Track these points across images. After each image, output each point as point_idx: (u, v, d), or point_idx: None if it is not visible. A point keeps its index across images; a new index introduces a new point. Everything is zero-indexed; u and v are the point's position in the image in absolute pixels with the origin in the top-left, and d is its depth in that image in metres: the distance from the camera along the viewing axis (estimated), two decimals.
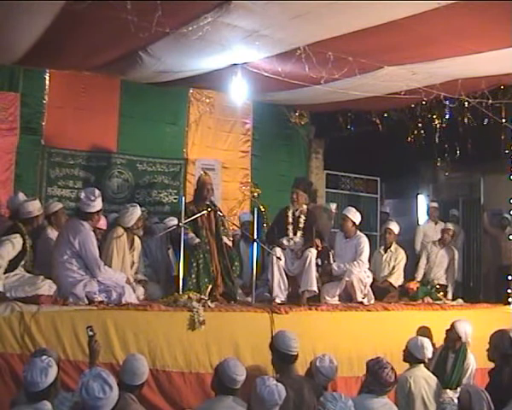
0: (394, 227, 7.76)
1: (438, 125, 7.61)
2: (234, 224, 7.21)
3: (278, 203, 7.23)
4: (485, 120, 6.97)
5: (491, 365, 4.81)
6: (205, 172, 6.53)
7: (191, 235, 6.00)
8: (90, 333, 4.12)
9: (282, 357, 4.40)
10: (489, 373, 4.73)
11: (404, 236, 8.66)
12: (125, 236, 5.94)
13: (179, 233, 5.84)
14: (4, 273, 5.00)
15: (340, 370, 4.70)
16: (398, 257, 7.63)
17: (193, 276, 5.89)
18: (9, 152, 6.90)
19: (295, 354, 4.39)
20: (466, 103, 6.83)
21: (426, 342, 5.04)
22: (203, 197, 6.23)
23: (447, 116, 7.35)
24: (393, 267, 7.58)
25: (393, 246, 7.70)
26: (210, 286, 5.96)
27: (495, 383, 4.51)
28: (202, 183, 6.30)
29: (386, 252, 7.71)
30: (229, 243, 6.48)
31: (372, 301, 6.58)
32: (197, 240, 6.00)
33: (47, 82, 7.17)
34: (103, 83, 7.44)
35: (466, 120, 7.07)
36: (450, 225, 8.07)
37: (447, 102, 7.08)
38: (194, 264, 5.93)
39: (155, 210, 7.64)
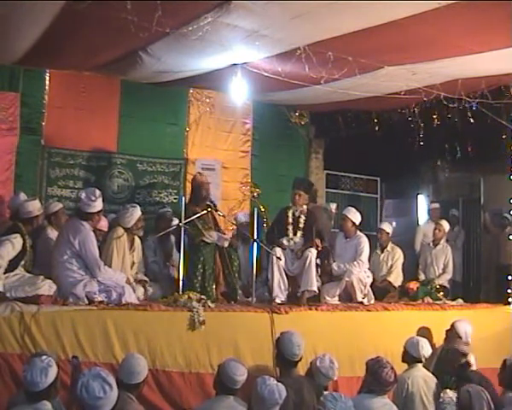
0: (386, 227, 7.80)
1: (438, 126, 7.60)
2: (233, 224, 7.20)
3: (278, 203, 7.23)
4: (485, 120, 6.96)
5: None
6: (199, 173, 6.55)
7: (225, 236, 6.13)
8: (75, 362, 4.10)
9: (285, 360, 4.41)
10: None
11: (404, 236, 8.67)
12: (125, 236, 5.95)
13: (179, 233, 5.87)
14: (4, 273, 4.99)
15: (340, 370, 4.70)
16: (395, 256, 7.66)
17: (199, 278, 5.91)
18: (9, 152, 6.88)
19: (298, 359, 4.39)
20: (466, 103, 6.82)
21: (422, 341, 5.04)
22: (202, 198, 6.24)
23: (448, 116, 7.33)
24: (391, 266, 7.60)
25: (389, 245, 7.74)
26: (214, 286, 6.00)
27: None
28: (199, 183, 6.31)
29: (382, 252, 7.74)
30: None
31: (372, 301, 6.59)
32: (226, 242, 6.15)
33: (47, 82, 7.15)
34: (103, 83, 7.42)
35: (466, 120, 7.06)
36: (442, 222, 8.05)
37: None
38: (199, 265, 5.94)
39: (155, 210, 7.63)
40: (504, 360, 4.66)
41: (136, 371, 3.82)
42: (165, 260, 6.73)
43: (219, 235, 6.17)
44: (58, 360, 4.02)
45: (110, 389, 3.01)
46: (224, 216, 6.38)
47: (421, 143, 7.87)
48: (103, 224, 6.01)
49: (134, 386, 3.79)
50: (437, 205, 9.03)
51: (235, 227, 7.26)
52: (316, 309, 5.86)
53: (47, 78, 7.16)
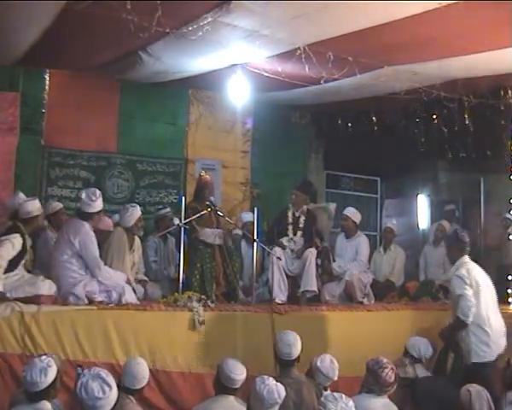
0: (394, 226, 7.80)
1: (438, 126, 7.60)
2: (234, 224, 7.20)
3: (278, 203, 7.23)
4: (485, 120, 6.96)
5: None
6: (206, 172, 6.54)
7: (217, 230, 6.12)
8: (80, 372, 4.10)
9: (282, 360, 4.39)
10: None
11: (404, 236, 8.66)
12: (125, 236, 5.94)
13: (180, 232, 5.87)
14: (4, 273, 4.99)
15: (340, 370, 4.69)
16: (398, 256, 7.66)
17: (197, 277, 5.91)
18: (9, 152, 6.87)
19: (294, 358, 4.37)
20: (466, 103, 6.82)
21: (423, 341, 5.04)
22: (203, 197, 6.24)
23: (448, 116, 7.33)
24: (394, 266, 7.60)
25: (392, 245, 7.74)
26: (214, 286, 6.00)
27: None
28: (204, 183, 6.31)
29: (385, 252, 7.73)
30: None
31: (372, 301, 6.59)
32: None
33: (47, 82, 7.16)
34: (103, 83, 7.42)
35: (466, 120, 7.06)
36: (443, 222, 8.05)
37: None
38: (198, 265, 5.94)
39: (155, 210, 7.63)
40: (508, 360, 4.66)
41: (138, 377, 3.83)
42: (166, 261, 6.74)
43: (213, 232, 6.12)
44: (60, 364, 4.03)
45: (109, 389, 3.01)
46: (223, 216, 6.38)
47: (421, 143, 7.87)
48: (108, 224, 5.95)
49: (135, 390, 3.81)
50: (452, 206, 8.99)
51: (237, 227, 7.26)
52: (316, 309, 5.86)
53: (47, 78, 7.16)
